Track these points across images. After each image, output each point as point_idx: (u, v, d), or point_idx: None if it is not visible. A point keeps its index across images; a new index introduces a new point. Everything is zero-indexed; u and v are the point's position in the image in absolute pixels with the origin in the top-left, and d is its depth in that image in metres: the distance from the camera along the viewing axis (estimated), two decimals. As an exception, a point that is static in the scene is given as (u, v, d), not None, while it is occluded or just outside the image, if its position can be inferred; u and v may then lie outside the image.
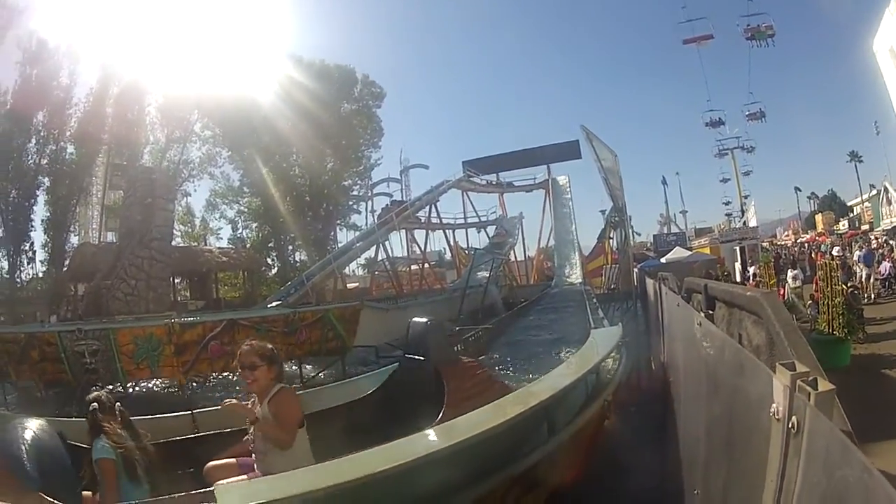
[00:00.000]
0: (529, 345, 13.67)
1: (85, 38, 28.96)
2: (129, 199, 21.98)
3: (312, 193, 35.26)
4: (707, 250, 29.35)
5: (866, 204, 40.61)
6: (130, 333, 9.95)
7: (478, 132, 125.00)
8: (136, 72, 30.83)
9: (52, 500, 2.39)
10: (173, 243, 24.93)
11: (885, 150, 45.01)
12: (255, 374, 3.22)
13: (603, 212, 36.13)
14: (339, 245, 34.23)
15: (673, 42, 45.32)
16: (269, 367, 3.26)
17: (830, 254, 23.21)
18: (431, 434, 3.20)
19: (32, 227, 28.91)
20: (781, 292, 14.34)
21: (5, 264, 28.22)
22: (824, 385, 1.62)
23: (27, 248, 28.77)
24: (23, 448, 2.47)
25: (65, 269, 28.27)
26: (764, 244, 32.56)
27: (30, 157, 28.23)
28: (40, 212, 29.20)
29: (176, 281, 29.34)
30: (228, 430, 3.99)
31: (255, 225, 37.12)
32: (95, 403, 3.04)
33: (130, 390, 10.85)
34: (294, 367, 13.27)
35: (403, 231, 34.22)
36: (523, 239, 40.40)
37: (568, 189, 41.00)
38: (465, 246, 39.38)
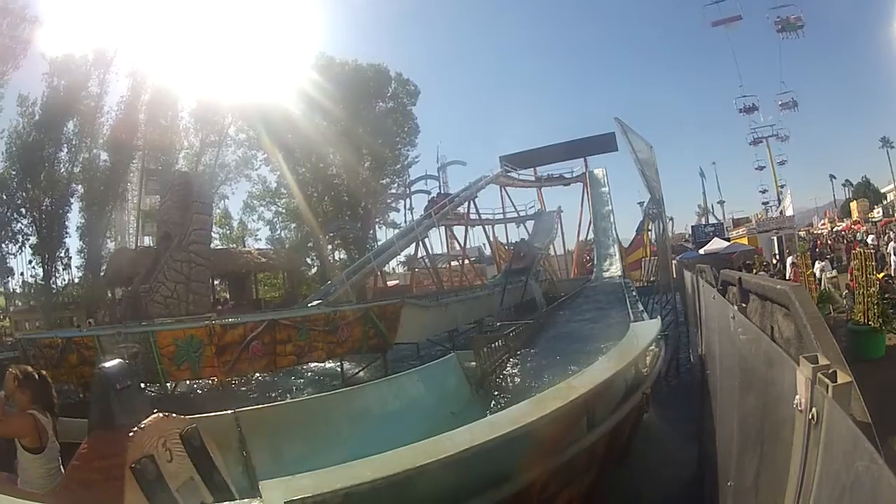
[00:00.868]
0: (570, 339, 13.72)
1: (115, 46, 29.15)
2: (165, 204, 22.28)
3: (350, 192, 35.60)
4: (745, 241, 28.55)
5: (898, 190, 38.77)
6: (171, 335, 10.12)
7: (512, 127, 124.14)
8: (167, 77, 31.29)
9: None
10: (211, 246, 25.09)
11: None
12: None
13: (641, 204, 35.47)
14: (379, 243, 34.49)
15: (701, 27, 44.13)
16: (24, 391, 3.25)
17: (865, 242, 22.33)
18: (472, 428, 3.28)
19: (67, 233, 29.10)
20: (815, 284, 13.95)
21: (41, 271, 28.49)
22: (843, 377, 1.69)
23: (62, 254, 28.91)
24: None
25: (102, 274, 28.88)
26: (801, 233, 31.53)
27: (62, 166, 28.44)
28: (75, 218, 29.42)
29: (215, 283, 29.93)
30: None
31: (293, 225, 37.78)
32: None
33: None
34: (331, 365, 13.37)
35: (443, 228, 34.17)
36: (562, 233, 39.83)
37: (605, 182, 40.40)
38: (504, 241, 39.22)
